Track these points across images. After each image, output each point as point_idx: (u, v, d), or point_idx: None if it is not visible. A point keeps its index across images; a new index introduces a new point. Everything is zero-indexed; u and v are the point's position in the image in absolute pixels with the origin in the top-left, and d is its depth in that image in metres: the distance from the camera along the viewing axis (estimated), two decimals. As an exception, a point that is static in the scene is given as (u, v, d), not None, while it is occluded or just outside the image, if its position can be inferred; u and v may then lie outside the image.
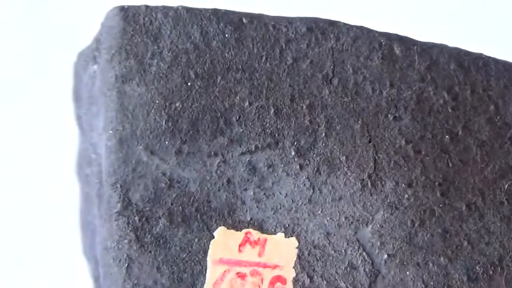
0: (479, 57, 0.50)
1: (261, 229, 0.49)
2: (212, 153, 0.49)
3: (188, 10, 0.50)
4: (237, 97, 0.50)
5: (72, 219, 0.60)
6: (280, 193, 0.49)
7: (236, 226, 0.49)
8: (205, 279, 0.49)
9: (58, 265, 0.74)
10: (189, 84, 0.50)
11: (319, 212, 0.49)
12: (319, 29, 0.50)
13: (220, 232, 0.49)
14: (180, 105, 0.49)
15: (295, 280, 0.49)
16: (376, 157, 0.49)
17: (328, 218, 0.49)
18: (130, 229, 0.49)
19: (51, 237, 0.75)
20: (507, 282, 0.49)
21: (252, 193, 0.49)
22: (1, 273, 0.74)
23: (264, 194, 0.49)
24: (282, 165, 0.49)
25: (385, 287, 0.49)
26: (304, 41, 0.50)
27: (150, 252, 0.49)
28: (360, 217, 0.49)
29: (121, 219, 0.49)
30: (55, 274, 0.74)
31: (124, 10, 0.50)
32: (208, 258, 0.49)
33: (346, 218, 0.49)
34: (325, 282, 0.49)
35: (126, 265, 0.49)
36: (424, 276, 0.49)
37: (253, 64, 0.50)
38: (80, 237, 0.54)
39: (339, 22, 0.50)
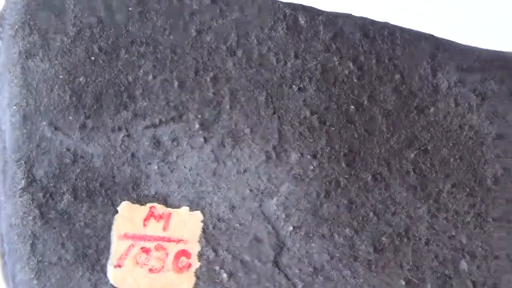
0: (384, 26, 0.50)
1: (166, 203, 0.49)
2: (116, 127, 0.49)
3: (90, -17, 0.50)
4: (141, 71, 0.49)
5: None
6: (184, 166, 0.49)
7: (140, 200, 0.49)
8: (109, 254, 0.49)
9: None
10: (92, 58, 0.49)
11: (224, 185, 0.49)
12: (223, 1, 0.50)
13: (125, 207, 0.49)
14: (84, 80, 0.49)
15: (200, 254, 0.49)
16: (281, 129, 0.49)
17: (233, 191, 0.49)
18: (34, 205, 0.49)
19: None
20: (414, 251, 0.49)
21: (156, 167, 0.49)
22: None
23: (169, 168, 0.49)
24: (186, 139, 0.49)
25: (290, 259, 0.49)
26: (208, 13, 0.49)
27: (54, 228, 0.49)
28: (265, 189, 0.49)
29: (25, 195, 0.49)
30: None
31: (25, -15, 0.49)
32: (113, 233, 0.49)
33: (251, 190, 0.49)
34: (230, 255, 0.49)
35: (31, 241, 0.49)
36: (329, 247, 0.49)
37: (157, 37, 0.49)
38: None
39: (244, -7, 0.50)
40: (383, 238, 0.49)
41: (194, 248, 0.49)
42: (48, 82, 0.49)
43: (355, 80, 0.49)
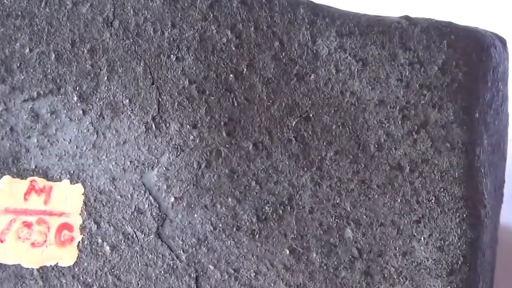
0: (263, -7, 0.49)
1: (46, 176, 0.49)
2: (-6, 102, 0.49)
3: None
4: (17, 44, 0.49)
5: None
6: (64, 139, 0.49)
7: (21, 174, 0.49)
8: (-9, 228, 0.49)
9: None
10: (-30, 33, 0.49)
11: (104, 157, 0.49)
12: (100, -29, 0.49)
13: (5, 181, 0.49)
14: (-38, 55, 0.49)
15: (82, 227, 0.49)
16: (160, 99, 0.49)
17: (113, 163, 0.49)
18: None
19: None
20: (298, 220, 0.49)
21: (36, 140, 0.49)
22: None
23: (48, 141, 0.49)
24: (65, 111, 0.49)
25: (173, 231, 0.49)
26: (85, -15, 0.49)
27: None
28: (146, 160, 0.49)
29: None
30: None
31: None
32: (-6, 208, 0.49)
33: (131, 162, 0.49)
34: (112, 227, 0.49)
35: None
36: (212, 218, 0.49)
37: (32, 9, 0.49)
38: None
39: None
40: (266, 207, 0.49)
41: (76, 221, 0.49)
42: None
43: (233, 49, 0.49)
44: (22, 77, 0.49)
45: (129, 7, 0.49)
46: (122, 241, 0.49)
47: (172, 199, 0.49)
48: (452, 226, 0.49)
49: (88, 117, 0.49)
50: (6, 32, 0.49)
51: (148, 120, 0.49)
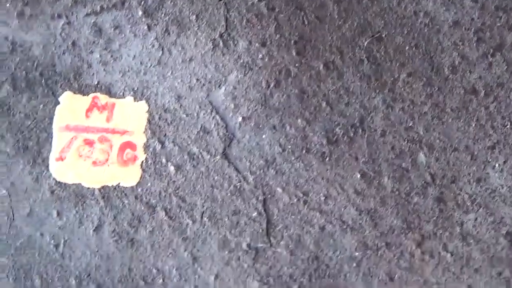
0: None
1: (109, 93, 0.47)
2: (56, 15, 0.47)
3: None
4: (82, -43, 0.47)
5: None
6: (128, 55, 0.47)
7: (82, 90, 0.47)
8: (51, 146, 0.47)
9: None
10: None
11: (169, 74, 0.47)
12: None
13: (66, 97, 0.47)
14: (24, -32, 0.47)
15: (146, 146, 0.47)
16: (228, 16, 0.47)
17: (179, 81, 0.47)
18: (-29, 96, 0.47)
19: None
20: (369, 143, 0.47)
21: (98, 55, 0.47)
22: None
23: (111, 56, 0.47)
24: (129, 26, 0.47)
25: (241, 152, 0.47)
26: None
27: (-7, 119, 0.47)
28: (213, 78, 0.47)
29: (-38, 86, 0.47)
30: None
31: None
32: (54, 125, 0.47)
33: (197, 80, 0.47)
34: (177, 147, 0.47)
35: (-31, 134, 0.47)
36: (281, 139, 0.47)
37: None
38: None
39: None
40: (337, 129, 0.47)
41: (140, 140, 0.47)
42: (-14, -29, 0.47)
43: (305, -35, 0.47)
44: (86, -10, 0.47)
45: None
46: (187, 162, 0.47)
47: (240, 119, 0.47)
48: (530, 150, 0.47)
49: (153, 32, 0.47)
50: None
51: (216, 37, 0.47)
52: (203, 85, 0.47)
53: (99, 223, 0.47)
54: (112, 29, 0.47)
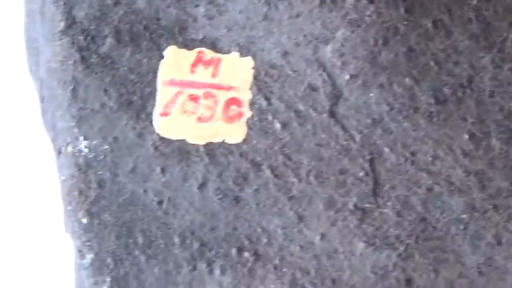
0: None
1: (215, 48, 0.46)
2: (161, -33, 0.46)
3: None
4: None
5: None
6: (234, 9, 0.46)
7: (187, 45, 0.46)
8: (155, 101, 0.46)
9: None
10: None
11: (276, 30, 0.46)
12: None
13: (171, 52, 0.46)
14: None
15: (252, 103, 0.46)
16: (337, -29, 0.46)
17: (286, 37, 0.46)
18: (75, 49, 0.46)
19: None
20: (478, 104, 0.46)
21: (204, 9, 0.46)
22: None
23: (217, 10, 0.46)
24: (236, -21, 0.46)
25: (347, 110, 0.46)
26: None
27: (96, 73, 0.46)
28: (320, 35, 0.46)
29: (65, 38, 0.46)
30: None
31: None
32: (158, 80, 0.46)
33: (304, 36, 0.46)
34: (283, 104, 0.46)
35: (72, 87, 0.46)
36: (388, 98, 0.46)
37: None
38: (26, 55, 0.50)
39: None
40: (445, 89, 0.46)
41: (245, 96, 0.46)
42: None
43: None
44: None
45: None
46: (294, 119, 0.46)
47: (347, 77, 0.46)
48: None
49: (260, -13, 0.46)
50: None
51: (323, -7, 0.46)
52: (310, 41, 0.46)
53: (204, 180, 0.46)
54: (218, -18, 0.46)
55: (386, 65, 0.46)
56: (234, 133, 0.46)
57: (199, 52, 0.46)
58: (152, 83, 0.46)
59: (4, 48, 0.64)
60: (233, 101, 0.46)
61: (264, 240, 0.46)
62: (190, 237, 0.46)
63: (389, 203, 0.46)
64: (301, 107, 0.46)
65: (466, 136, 0.46)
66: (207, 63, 0.46)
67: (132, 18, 0.46)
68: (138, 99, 0.46)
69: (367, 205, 0.46)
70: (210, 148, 0.46)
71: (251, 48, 0.46)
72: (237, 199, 0.46)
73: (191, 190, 0.46)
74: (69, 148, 0.46)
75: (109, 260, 0.46)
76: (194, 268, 0.46)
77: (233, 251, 0.46)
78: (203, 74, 0.46)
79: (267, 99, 0.46)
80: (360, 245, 0.46)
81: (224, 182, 0.46)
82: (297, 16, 0.46)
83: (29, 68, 0.50)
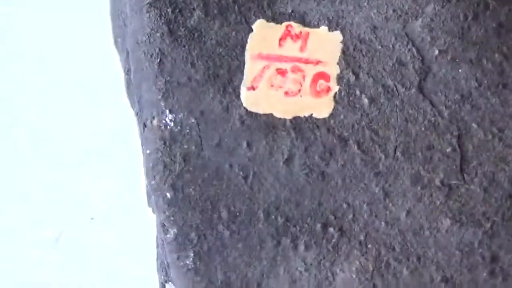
0: None
1: (303, 22, 0.46)
2: None
3: None
4: None
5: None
6: (323, -17, 0.46)
7: (276, 18, 0.46)
8: (243, 75, 0.46)
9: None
10: None
11: (365, 4, 0.46)
12: None
13: (259, 25, 0.46)
14: None
15: (340, 77, 0.46)
16: None
17: (375, 11, 0.46)
18: (162, 21, 0.46)
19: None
20: None
21: (291, -17, 0.46)
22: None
23: (306, -16, 0.46)
24: (322, -46, 0.46)
25: (436, 85, 0.46)
26: None
27: (184, 46, 0.46)
28: (409, 10, 0.46)
29: (152, 11, 0.46)
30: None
31: None
32: (246, 53, 0.46)
33: (394, 11, 0.46)
34: (371, 79, 0.46)
35: (158, 60, 0.46)
36: (477, 73, 0.46)
37: None
38: (111, 27, 0.50)
39: None
40: (534, 65, 0.46)
41: (333, 70, 0.46)
42: None
43: None
44: None
45: None
46: (382, 94, 0.46)
47: (436, 52, 0.46)
48: None
49: (350, -40, 0.46)
50: None
51: (412, -34, 0.46)
52: (400, 16, 0.46)
53: (290, 155, 0.46)
54: (304, -44, 0.46)
55: (475, 41, 0.46)
56: (322, 108, 0.46)
57: (288, 26, 0.46)
58: (239, 57, 0.46)
59: (89, 21, 0.63)
60: (321, 75, 0.46)
61: (350, 216, 0.46)
62: (275, 212, 0.46)
63: (476, 180, 0.46)
64: (389, 82, 0.46)
65: (555, 113, 0.46)
66: (296, 37, 0.46)
67: (220, -9, 0.45)
68: (225, 73, 0.46)
69: (454, 182, 0.46)
70: (297, 123, 0.46)
71: (340, 22, 0.46)
72: (323, 174, 0.46)
73: (277, 165, 0.46)
74: (155, 122, 0.46)
75: (192, 234, 0.46)
76: (278, 243, 0.46)
77: (318, 226, 0.46)
78: (291, 48, 0.46)
79: (355, 74, 0.46)
80: (446, 222, 0.46)
81: (310, 157, 0.46)
82: (387, -11, 0.46)
83: (114, 40, 0.50)
